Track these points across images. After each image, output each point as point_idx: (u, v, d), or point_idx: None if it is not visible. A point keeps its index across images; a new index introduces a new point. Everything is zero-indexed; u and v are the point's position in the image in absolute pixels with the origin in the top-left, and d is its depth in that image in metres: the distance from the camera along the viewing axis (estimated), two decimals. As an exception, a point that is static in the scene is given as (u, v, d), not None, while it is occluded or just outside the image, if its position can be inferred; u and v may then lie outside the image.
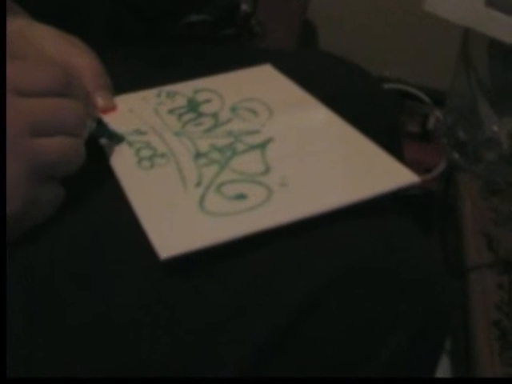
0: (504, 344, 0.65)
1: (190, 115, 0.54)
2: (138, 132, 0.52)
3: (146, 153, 0.49)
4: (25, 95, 0.40)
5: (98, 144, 0.49)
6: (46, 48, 0.52)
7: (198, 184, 0.45)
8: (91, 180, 0.45)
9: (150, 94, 0.57)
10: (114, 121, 0.52)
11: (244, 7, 1.02)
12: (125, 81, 0.56)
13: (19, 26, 0.53)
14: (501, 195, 0.86)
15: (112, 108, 0.54)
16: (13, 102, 0.39)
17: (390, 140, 0.58)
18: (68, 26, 0.54)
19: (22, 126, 0.39)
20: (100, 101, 0.53)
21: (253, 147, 0.49)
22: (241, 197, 0.43)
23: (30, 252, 0.40)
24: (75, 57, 0.52)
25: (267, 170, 0.46)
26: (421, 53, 1.36)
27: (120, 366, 0.38)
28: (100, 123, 0.49)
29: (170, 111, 0.55)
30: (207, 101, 0.56)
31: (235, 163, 0.47)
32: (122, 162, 0.48)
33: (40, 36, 0.53)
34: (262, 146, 0.49)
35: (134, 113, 0.55)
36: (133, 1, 0.82)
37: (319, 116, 0.54)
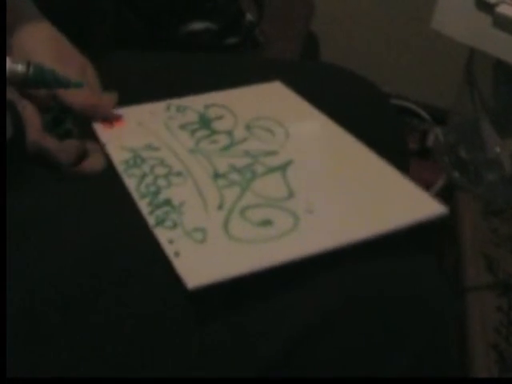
0: (502, 367, 0.65)
1: (204, 132, 0.53)
2: (151, 147, 0.50)
3: (160, 170, 0.47)
4: None
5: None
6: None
7: (220, 207, 0.43)
8: (104, 195, 0.44)
9: (158, 107, 0.56)
10: (124, 134, 0.51)
11: (249, 17, 1.01)
12: (131, 85, 0.55)
13: (20, 40, 0.51)
14: (501, 216, 0.86)
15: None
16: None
17: (399, 159, 0.58)
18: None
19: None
20: None
21: (273, 169, 0.48)
22: (267, 223, 0.42)
23: (37, 257, 0.40)
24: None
25: (291, 195, 0.45)
26: (422, 70, 1.36)
27: (119, 367, 0.38)
28: (36, 67, 0.42)
29: (182, 127, 0.53)
30: (219, 117, 0.55)
31: (257, 186, 0.46)
32: (137, 180, 0.46)
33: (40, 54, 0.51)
34: (283, 168, 0.48)
35: (144, 126, 0.53)
36: (136, 4, 0.82)
37: (337, 139, 0.53)
